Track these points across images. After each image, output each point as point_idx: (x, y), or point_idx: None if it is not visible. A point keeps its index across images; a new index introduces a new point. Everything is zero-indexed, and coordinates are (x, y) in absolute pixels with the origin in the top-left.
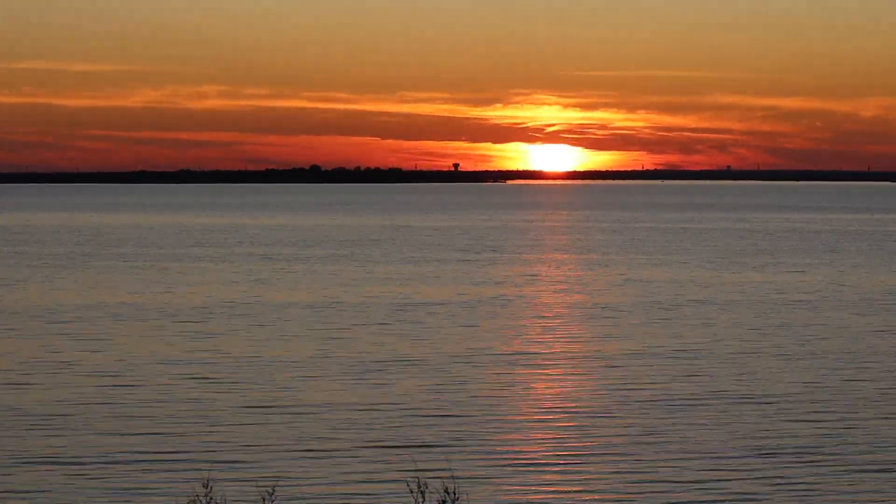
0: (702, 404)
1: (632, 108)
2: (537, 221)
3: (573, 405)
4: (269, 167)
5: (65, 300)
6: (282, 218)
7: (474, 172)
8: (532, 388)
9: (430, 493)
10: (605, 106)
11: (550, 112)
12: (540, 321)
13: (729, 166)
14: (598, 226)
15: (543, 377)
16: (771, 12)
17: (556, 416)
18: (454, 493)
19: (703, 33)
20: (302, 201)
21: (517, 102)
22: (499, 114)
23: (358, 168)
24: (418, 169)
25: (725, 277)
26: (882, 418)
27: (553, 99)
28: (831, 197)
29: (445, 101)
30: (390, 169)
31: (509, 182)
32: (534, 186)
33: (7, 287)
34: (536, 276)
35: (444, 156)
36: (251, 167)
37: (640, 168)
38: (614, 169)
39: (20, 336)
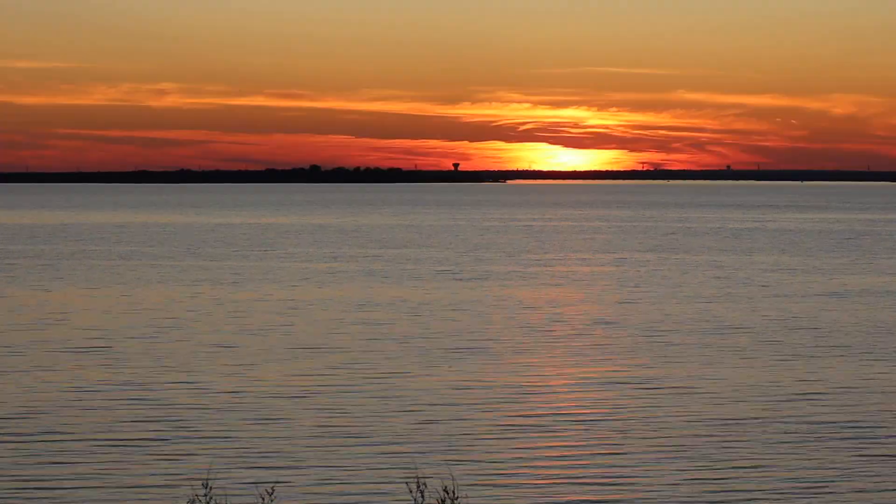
0: (705, 406)
1: (601, 105)
2: (665, 220)
3: (573, 406)
4: (257, 167)
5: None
6: (412, 217)
7: (475, 172)
8: (532, 388)
9: (430, 493)
10: (575, 104)
11: (520, 110)
12: (552, 322)
13: (729, 166)
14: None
15: (544, 378)
16: (729, 10)
17: (556, 417)
18: (453, 493)
19: (662, 31)
20: (367, 200)
21: (484, 100)
22: (467, 112)
23: (358, 168)
24: (418, 168)
25: None
26: None
27: (519, 97)
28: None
29: (411, 98)
30: (390, 169)
31: (509, 182)
32: (549, 186)
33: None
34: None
35: (426, 154)
36: (248, 167)
37: (640, 168)
38: (615, 169)
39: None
